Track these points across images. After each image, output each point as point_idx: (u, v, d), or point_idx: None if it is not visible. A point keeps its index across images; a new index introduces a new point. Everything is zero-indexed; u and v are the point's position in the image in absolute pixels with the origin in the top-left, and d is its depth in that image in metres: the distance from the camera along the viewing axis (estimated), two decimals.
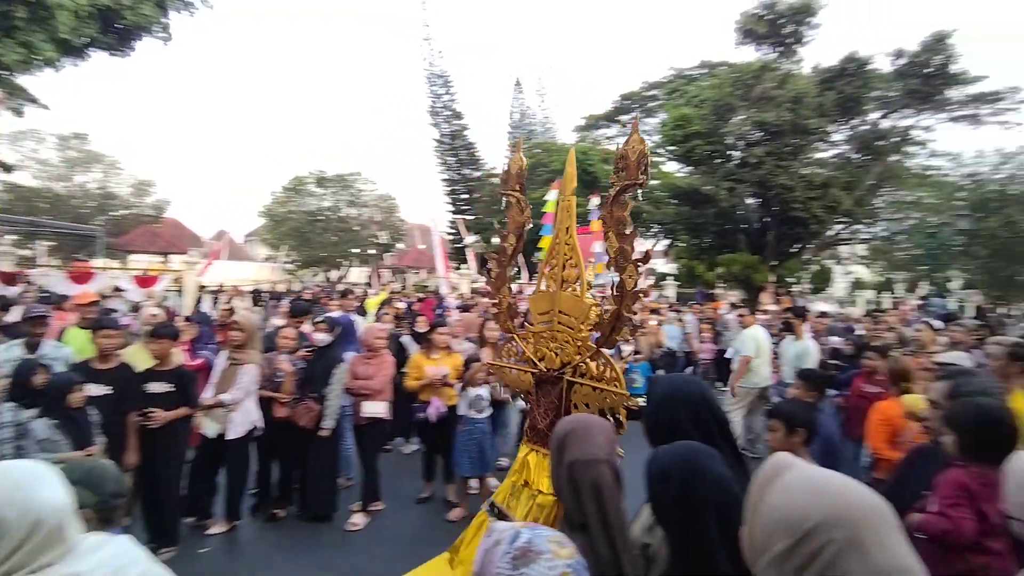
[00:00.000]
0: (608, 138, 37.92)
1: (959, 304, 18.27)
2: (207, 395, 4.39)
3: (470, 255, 34.84)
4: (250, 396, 4.44)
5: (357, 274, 45.28)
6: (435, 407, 5.07)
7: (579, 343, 3.11)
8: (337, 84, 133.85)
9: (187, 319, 6.37)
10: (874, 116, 19.33)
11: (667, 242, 27.52)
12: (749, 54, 19.33)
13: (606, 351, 3.02)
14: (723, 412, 1.76)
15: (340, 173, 38.11)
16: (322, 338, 4.75)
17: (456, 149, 46.46)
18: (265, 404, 4.66)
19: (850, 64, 17.12)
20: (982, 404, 2.32)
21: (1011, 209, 17.91)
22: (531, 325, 3.47)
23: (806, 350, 6.48)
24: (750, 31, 17.85)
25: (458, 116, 45.92)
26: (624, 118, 36.89)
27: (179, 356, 4.53)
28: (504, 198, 4.00)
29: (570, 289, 3.32)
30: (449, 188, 47.69)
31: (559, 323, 3.25)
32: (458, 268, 34.14)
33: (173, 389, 4.03)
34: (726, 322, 10.45)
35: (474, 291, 23.67)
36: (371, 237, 39.04)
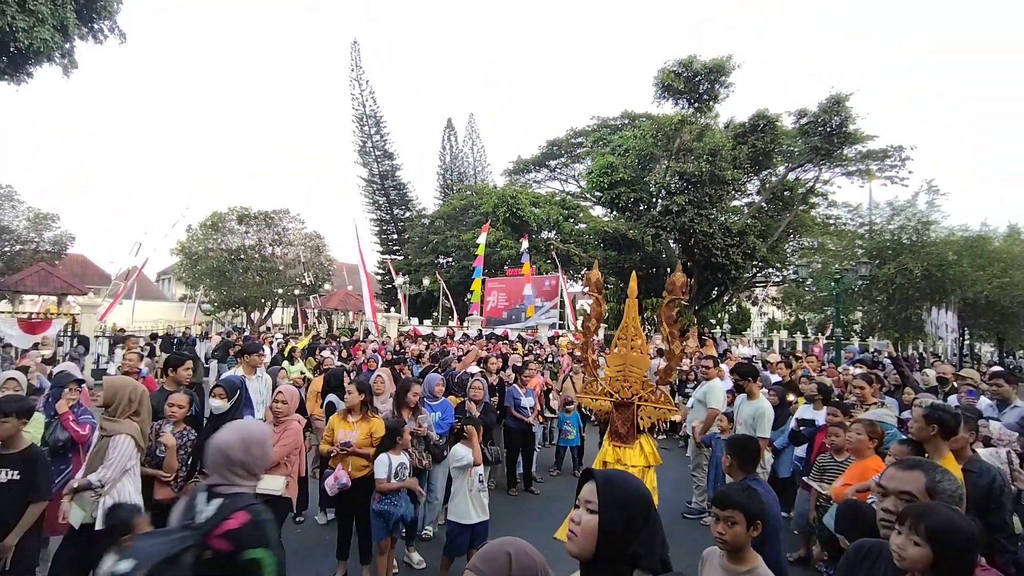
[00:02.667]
0: (537, 182, 38.78)
1: (867, 349, 19.54)
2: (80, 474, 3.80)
3: (400, 296, 34.12)
4: (128, 475, 3.85)
5: (281, 315, 43.42)
6: (335, 478, 4.60)
7: (644, 383, 5.50)
8: (264, 120, 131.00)
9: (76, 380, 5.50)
10: (782, 169, 20.69)
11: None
12: (668, 107, 20.36)
13: (663, 388, 5.50)
14: None
15: (265, 210, 36.71)
16: (217, 405, 4.24)
17: (387, 189, 46.19)
18: (148, 484, 4.08)
19: (760, 121, 18.35)
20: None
21: (904, 257, 19.39)
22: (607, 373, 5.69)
23: (761, 411, 5.87)
24: (669, 86, 18.83)
25: (389, 156, 45.83)
26: (551, 162, 37.98)
27: (32, 434, 3.90)
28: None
29: (637, 351, 5.56)
30: (379, 228, 47.17)
31: (630, 371, 5.53)
32: (387, 310, 33.45)
33: (18, 477, 3.44)
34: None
35: (403, 335, 23.11)
36: (297, 277, 37.61)
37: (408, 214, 46.93)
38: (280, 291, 35.70)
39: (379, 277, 45.40)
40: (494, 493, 7.83)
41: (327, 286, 40.17)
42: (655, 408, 5.31)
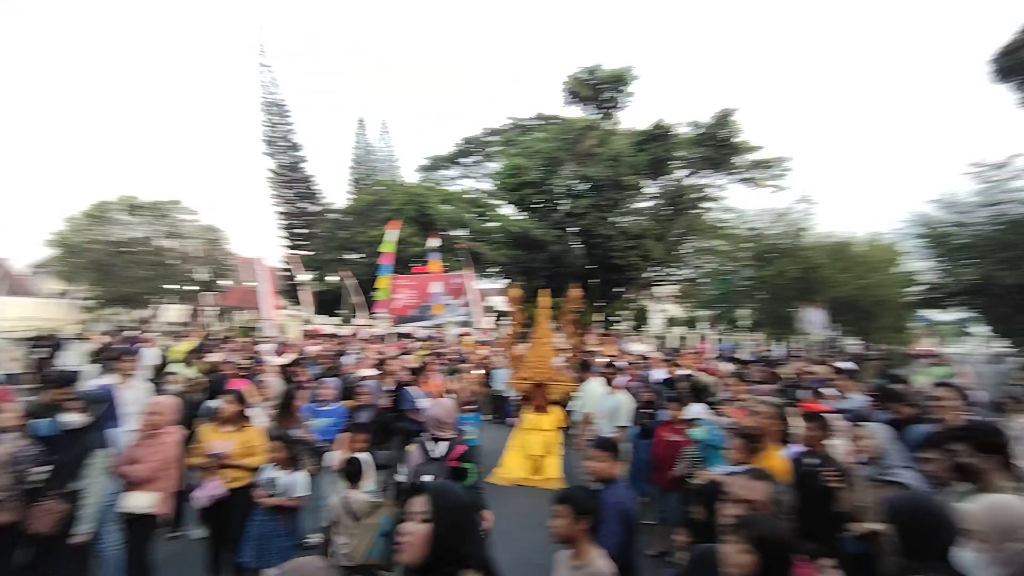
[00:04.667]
0: (450, 179, 38.77)
1: (737, 347, 21.24)
2: None
3: (305, 294, 33.03)
4: None
5: (174, 313, 40.67)
6: (207, 490, 4.49)
7: (553, 369, 7.25)
8: (158, 103, 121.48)
9: None
10: (679, 175, 22.04)
11: (507, 281, 28.57)
12: (577, 111, 21.11)
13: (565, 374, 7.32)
14: None
15: (156, 200, 34.27)
16: (72, 419, 4.02)
17: (293, 181, 44.46)
18: None
19: (658, 130, 19.45)
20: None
21: (783, 260, 21.29)
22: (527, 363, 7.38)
23: (619, 404, 6.75)
24: (575, 92, 19.51)
25: (296, 147, 44.16)
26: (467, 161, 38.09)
27: None
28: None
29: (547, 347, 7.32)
30: (284, 222, 45.31)
31: (543, 361, 7.27)
32: (288, 307, 32.21)
33: None
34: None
35: (305, 333, 22.41)
36: (190, 272, 35.41)
37: (315, 208, 45.40)
38: (173, 287, 33.49)
39: (283, 273, 43.65)
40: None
41: (226, 282, 38.12)
42: (561, 386, 7.23)
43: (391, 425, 6.54)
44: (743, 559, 1.96)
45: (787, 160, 25.90)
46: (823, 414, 4.67)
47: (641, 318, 33.03)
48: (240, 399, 4.92)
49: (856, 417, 5.78)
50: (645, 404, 7.05)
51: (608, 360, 8.16)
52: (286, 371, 9.39)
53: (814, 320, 24.30)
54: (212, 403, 6.45)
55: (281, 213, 44.96)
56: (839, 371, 7.21)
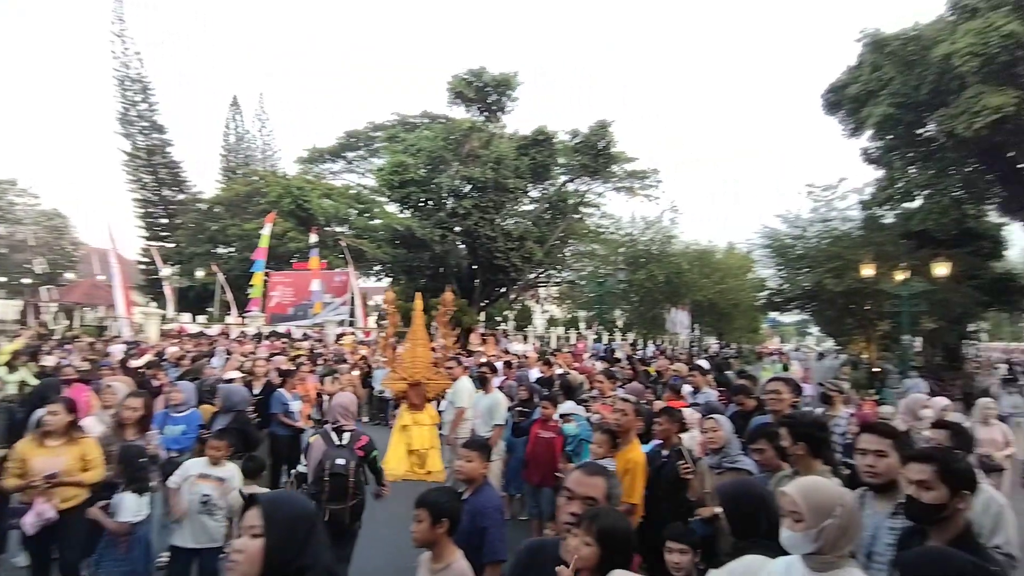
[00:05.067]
0: (333, 173, 37.27)
1: (611, 346, 22.64)
2: None
3: (167, 289, 30.21)
4: None
5: (4, 308, 35.37)
6: (35, 514, 3.96)
7: (428, 367, 7.42)
8: None
9: None
10: (560, 181, 22.90)
11: (389, 280, 28.01)
12: (461, 113, 21.19)
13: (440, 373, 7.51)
14: None
15: None
16: None
17: (154, 166, 40.46)
18: None
19: (540, 136, 20.07)
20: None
21: (653, 265, 22.89)
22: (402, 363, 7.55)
23: (496, 402, 6.83)
24: (460, 93, 19.59)
25: (158, 129, 40.24)
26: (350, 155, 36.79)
27: None
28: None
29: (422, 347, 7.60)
30: (143, 211, 41.14)
31: (418, 360, 7.43)
32: (148, 305, 29.29)
33: None
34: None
35: (164, 333, 20.45)
36: (26, 263, 31.07)
37: (181, 197, 41.66)
38: (2, 279, 29.22)
39: (142, 267, 39.62)
40: None
41: (70, 275, 33.88)
42: (436, 384, 7.40)
43: (252, 433, 6.11)
44: (585, 552, 2.01)
45: (658, 172, 27.91)
46: (675, 409, 5.06)
47: (524, 318, 33.85)
48: (70, 407, 4.38)
49: (707, 410, 6.35)
50: (521, 403, 7.26)
51: (485, 360, 8.30)
52: (140, 375, 8.56)
53: (679, 321, 26.46)
54: (40, 413, 5.76)
55: (139, 200, 40.76)
56: (693, 368, 7.87)
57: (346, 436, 4.36)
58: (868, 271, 17.62)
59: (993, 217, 21.49)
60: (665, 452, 4.57)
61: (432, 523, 2.58)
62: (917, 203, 18.65)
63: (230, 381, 7.63)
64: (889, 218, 21.21)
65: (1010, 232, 22.95)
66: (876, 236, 20.16)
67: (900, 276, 17.31)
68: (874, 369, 21.43)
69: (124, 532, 3.94)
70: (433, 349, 8.24)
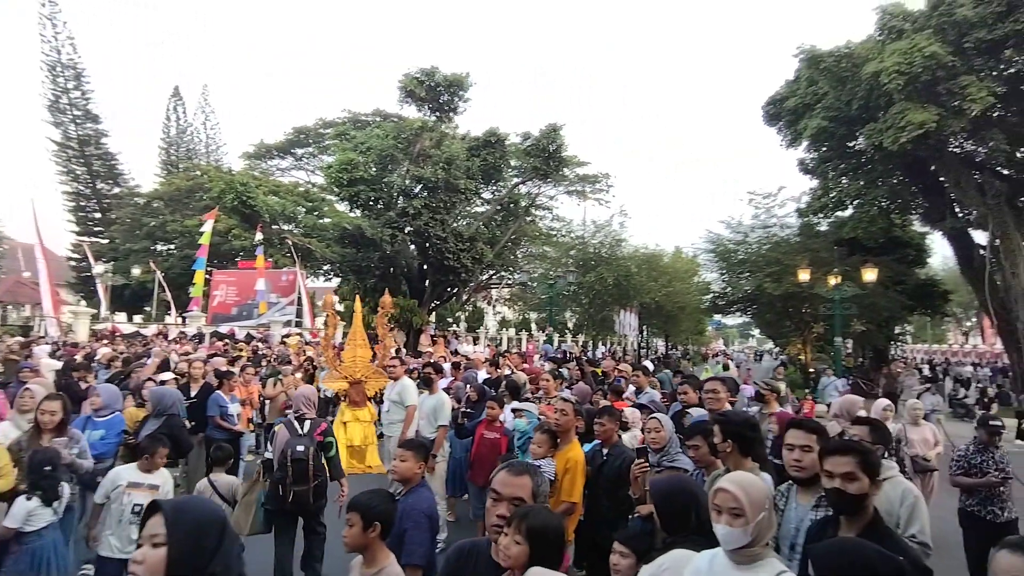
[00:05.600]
0: (281, 170, 36.28)
1: (562, 345, 22.98)
2: None
3: (100, 288, 28.72)
4: None
5: None
6: None
7: (367, 367, 7.77)
8: None
9: None
10: (511, 183, 22.99)
11: (338, 281, 27.45)
12: (412, 112, 20.98)
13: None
14: None
15: None
16: None
17: (87, 157, 38.42)
18: None
19: (492, 138, 20.08)
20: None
21: (602, 268, 23.25)
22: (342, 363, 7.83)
23: (441, 402, 6.81)
24: (412, 92, 19.40)
25: (93, 118, 38.27)
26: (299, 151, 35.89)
27: None
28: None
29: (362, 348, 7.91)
30: (75, 204, 38.99)
31: (359, 360, 7.72)
32: (79, 304, 27.77)
33: None
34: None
35: (95, 333, 19.41)
36: None
37: (117, 190, 39.70)
38: None
39: (72, 264, 37.54)
40: None
41: None
42: (374, 382, 7.68)
43: (183, 438, 5.87)
44: (515, 551, 2.01)
45: (609, 176, 28.41)
46: (615, 409, 5.18)
47: (476, 320, 33.81)
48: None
49: (650, 409, 6.49)
50: (469, 404, 7.26)
51: (432, 361, 8.29)
52: (66, 376, 8.11)
53: (628, 323, 27.01)
54: None
55: (70, 193, 38.62)
56: (636, 368, 8.07)
57: (307, 424, 4.74)
58: (804, 276, 18.47)
59: (917, 227, 22.92)
60: (606, 451, 4.68)
61: (364, 527, 2.53)
62: (849, 212, 19.66)
63: (163, 383, 7.34)
64: (823, 226, 22.29)
65: (932, 241, 24.57)
66: (811, 243, 21.15)
67: (833, 281, 18.24)
68: (810, 369, 22.47)
69: (8, 538, 3.71)
70: (374, 350, 8.28)
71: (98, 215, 39.44)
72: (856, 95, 15.90)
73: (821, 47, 16.82)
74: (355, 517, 2.53)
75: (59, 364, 9.63)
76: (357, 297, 9.46)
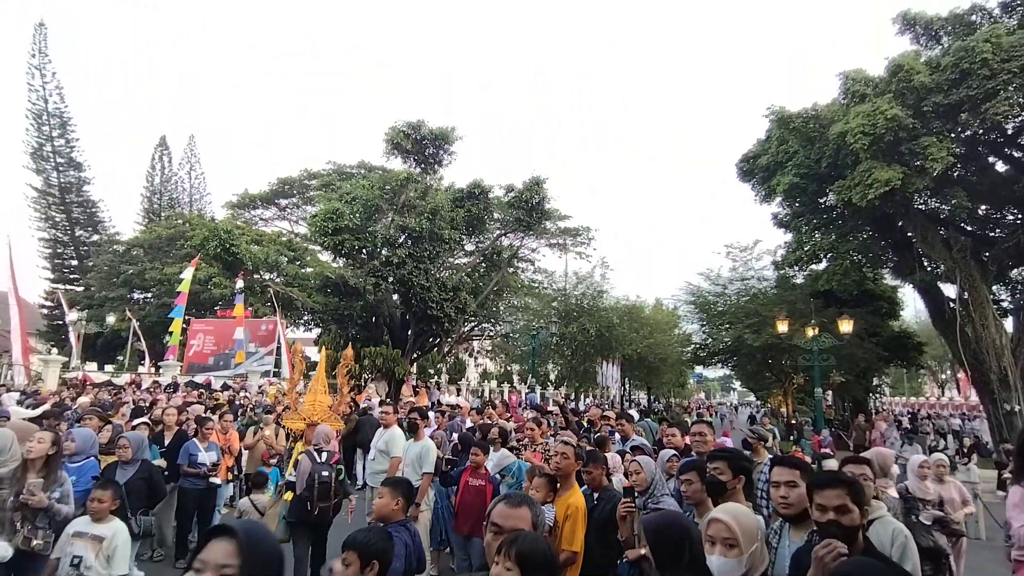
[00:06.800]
0: (264, 220, 36.41)
1: (544, 396, 22.84)
2: None
3: (72, 336, 28.05)
4: None
5: None
6: None
7: (325, 411, 7.76)
8: None
9: None
10: (494, 234, 23.34)
11: (318, 331, 27.16)
12: (397, 164, 21.41)
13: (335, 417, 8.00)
14: None
15: None
16: None
17: (67, 204, 38.26)
18: None
19: (476, 189, 20.52)
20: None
21: (584, 319, 23.41)
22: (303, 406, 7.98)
23: (426, 449, 6.72)
24: (398, 144, 19.85)
25: (76, 166, 38.32)
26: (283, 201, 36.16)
27: None
28: None
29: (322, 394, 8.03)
30: (51, 251, 38.50)
31: (319, 405, 7.85)
32: (50, 352, 27.01)
33: None
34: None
35: (65, 382, 18.80)
36: None
37: (95, 237, 39.35)
38: None
39: (44, 311, 36.74)
40: (161, 566, 6.84)
41: None
42: (331, 425, 7.76)
43: (158, 483, 5.68)
44: None
45: (591, 230, 29.02)
46: (599, 453, 5.15)
47: (457, 371, 33.49)
48: None
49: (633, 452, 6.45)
50: (454, 452, 7.15)
51: (416, 407, 8.20)
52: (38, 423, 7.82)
53: (610, 375, 27.01)
54: None
55: (47, 240, 38.19)
56: (620, 416, 8.07)
57: (324, 455, 5.86)
58: (782, 327, 18.77)
59: (888, 280, 23.58)
60: (596, 496, 4.62)
61: (362, 565, 2.48)
62: (823, 265, 20.22)
63: (134, 428, 7.14)
64: (799, 278, 22.84)
65: (903, 294, 25.23)
66: (788, 295, 21.61)
67: (811, 332, 18.56)
68: (791, 421, 22.53)
69: None
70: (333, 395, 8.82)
71: (75, 262, 38.92)
72: (825, 154, 16.65)
73: (790, 108, 17.73)
74: (352, 556, 2.47)
75: (29, 412, 9.29)
76: (323, 348, 10.09)
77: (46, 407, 10.57)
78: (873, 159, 15.00)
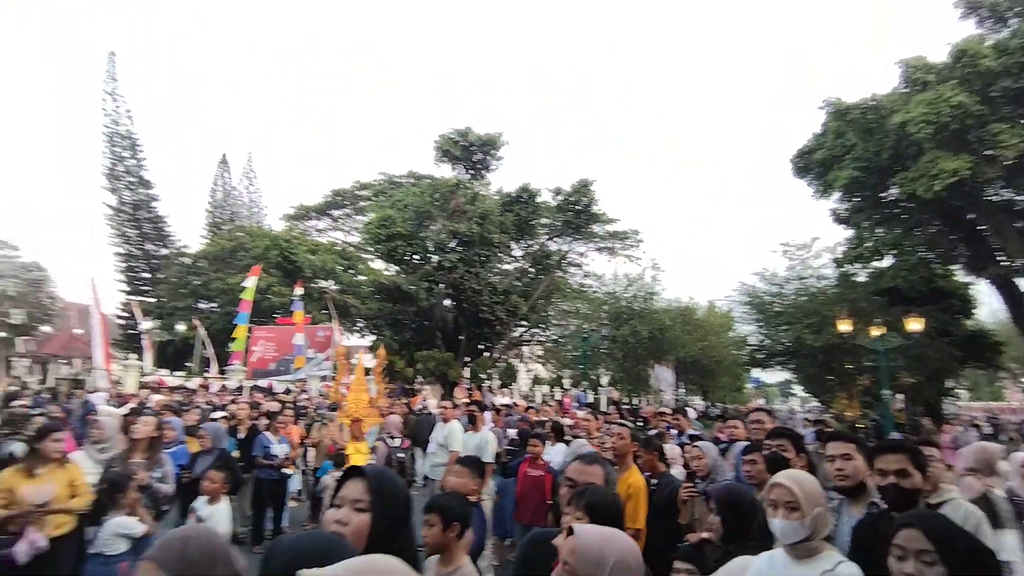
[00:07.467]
0: (319, 230, 37.62)
1: (597, 397, 22.62)
2: None
3: (146, 343, 29.73)
4: None
5: None
6: (27, 543, 3.88)
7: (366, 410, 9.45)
8: None
9: None
10: (543, 238, 23.45)
11: (373, 337, 27.86)
12: (447, 171, 21.87)
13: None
14: None
15: None
16: None
17: (139, 220, 40.62)
18: None
19: (524, 193, 20.72)
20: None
21: (636, 321, 23.18)
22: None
23: (485, 440, 7.02)
24: (447, 152, 20.30)
25: (145, 184, 40.67)
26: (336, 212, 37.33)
27: None
28: None
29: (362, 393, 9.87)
30: (126, 265, 40.94)
31: (360, 401, 9.48)
32: (126, 358, 28.65)
33: None
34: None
35: (143, 385, 19.99)
36: (2, 315, 30.50)
37: (164, 251, 41.62)
38: None
39: (121, 321, 39.03)
40: (238, 551, 7.21)
41: (46, 328, 33.27)
42: (370, 420, 9.01)
43: (237, 471, 6.07)
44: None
45: (639, 233, 28.69)
46: (651, 439, 5.21)
47: (509, 376, 33.67)
48: (52, 433, 4.37)
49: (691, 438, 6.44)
50: (512, 445, 7.39)
51: (473, 400, 8.43)
52: (125, 422, 8.42)
53: (663, 378, 26.52)
54: (16, 447, 5.66)
55: (121, 255, 40.63)
56: (675, 412, 8.09)
57: (396, 440, 7.35)
58: (845, 327, 18.05)
59: (960, 276, 22.35)
60: (653, 480, 4.66)
61: (444, 527, 2.59)
62: (887, 262, 19.37)
63: (213, 421, 7.59)
64: (862, 276, 21.93)
65: (978, 291, 23.85)
66: (850, 293, 20.75)
67: (876, 332, 17.76)
68: (857, 425, 21.56)
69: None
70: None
71: (147, 275, 41.22)
72: (885, 145, 16.05)
73: (846, 99, 17.16)
74: (435, 517, 2.56)
75: (116, 410, 9.97)
76: (361, 353, 11.30)
77: (130, 406, 11.37)
78: (938, 148, 14.38)
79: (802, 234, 56.56)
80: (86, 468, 4.77)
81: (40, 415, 9.26)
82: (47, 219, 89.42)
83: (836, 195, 19.25)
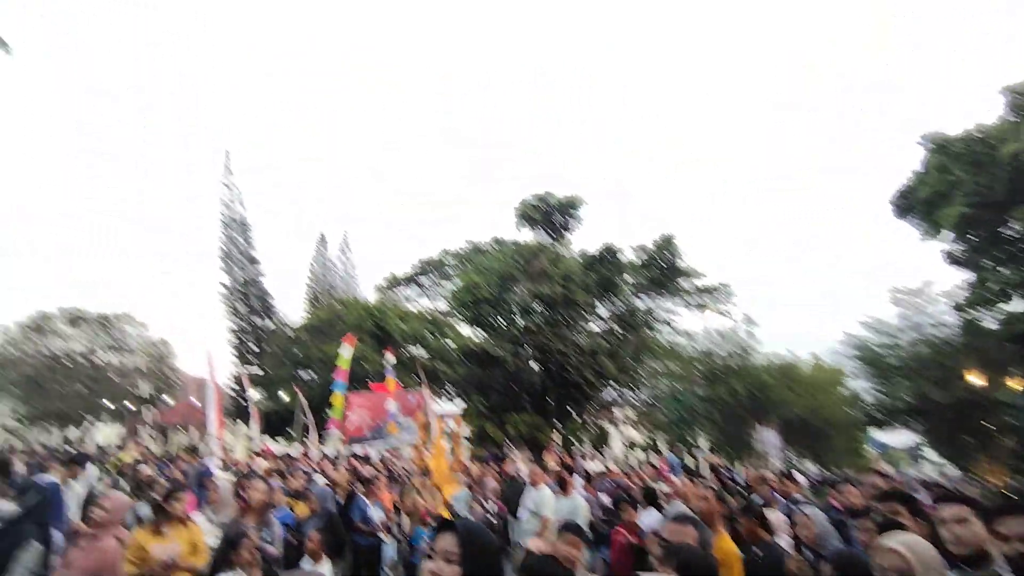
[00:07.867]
0: (408, 299, 39.28)
1: (696, 462, 21.26)
2: None
3: (253, 412, 31.51)
4: None
5: (106, 433, 37.85)
6: None
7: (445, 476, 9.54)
8: (119, 214, 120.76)
9: None
10: (628, 296, 23.15)
11: (463, 404, 28.14)
12: (528, 235, 22.39)
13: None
14: None
15: (103, 313, 33.27)
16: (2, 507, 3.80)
17: (249, 296, 44.18)
18: None
19: (607, 252, 20.73)
20: None
21: (733, 379, 21.99)
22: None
23: (577, 506, 6.87)
24: (528, 217, 20.84)
25: (253, 261, 44.48)
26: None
27: None
28: None
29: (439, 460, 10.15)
30: (236, 338, 44.32)
31: (440, 470, 9.55)
32: (235, 424, 30.56)
33: None
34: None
35: (256, 453, 21.17)
36: (131, 387, 33.63)
37: (269, 324, 44.84)
38: (109, 404, 31.63)
39: (231, 392, 41.94)
40: None
41: (166, 399, 36.24)
42: (449, 486, 9.07)
43: (342, 533, 6.24)
44: None
45: (729, 286, 27.62)
46: (750, 505, 4.88)
47: (601, 440, 32.64)
48: (177, 495, 4.72)
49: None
50: (605, 512, 7.17)
51: (563, 464, 8.24)
52: (237, 486, 8.93)
53: (769, 441, 24.61)
54: (140, 508, 6.11)
55: (234, 329, 44.15)
56: (783, 476, 7.47)
57: (490, 504, 7.54)
58: (975, 379, 16.23)
59: None
60: (755, 549, 4.35)
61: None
62: (1017, 305, 17.41)
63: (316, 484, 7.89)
64: (989, 321, 19.77)
65: None
66: (978, 341, 18.72)
67: (1016, 385, 15.81)
68: (1004, 492, 18.89)
69: None
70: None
71: (255, 347, 44.35)
72: (998, 177, 14.80)
73: (947, 132, 16.12)
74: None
75: (230, 475, 10.61)
76: (438, 419, 12.29)
77: (240, 472, 12.05)
78: None
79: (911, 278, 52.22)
80: (204, 529, 5.13)
81: (164, 479, 10.08)
82: (168, 295, 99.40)
83: (947, 235, 17.77)
